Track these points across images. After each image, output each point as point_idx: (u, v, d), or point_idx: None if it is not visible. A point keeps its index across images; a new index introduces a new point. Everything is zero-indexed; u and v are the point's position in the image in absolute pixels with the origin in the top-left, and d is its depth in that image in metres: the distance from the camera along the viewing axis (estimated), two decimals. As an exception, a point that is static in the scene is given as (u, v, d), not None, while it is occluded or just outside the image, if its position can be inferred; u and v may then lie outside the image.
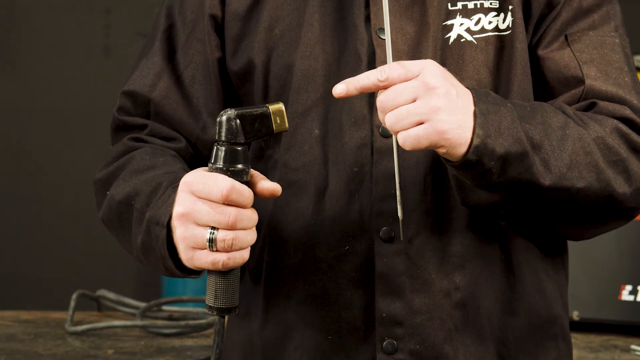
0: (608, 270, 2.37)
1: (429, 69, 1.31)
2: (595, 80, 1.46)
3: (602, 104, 1.45)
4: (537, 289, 1.50)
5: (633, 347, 2.19)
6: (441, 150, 1.32)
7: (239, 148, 1.30)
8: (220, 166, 1.29)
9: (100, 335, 2.20)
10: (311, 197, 1.48)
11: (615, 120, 1.43)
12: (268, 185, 1.32)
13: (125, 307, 2.39)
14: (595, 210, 1.42)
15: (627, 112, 1.44)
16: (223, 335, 1.33)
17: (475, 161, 1.33)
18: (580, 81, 1.47)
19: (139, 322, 2.25)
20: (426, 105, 1.29)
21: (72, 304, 2.30)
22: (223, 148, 1.29)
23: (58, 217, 4.52)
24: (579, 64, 1.47)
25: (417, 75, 1.31)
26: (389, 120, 1.31)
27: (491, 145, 1.32)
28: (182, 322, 2.24)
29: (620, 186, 1.41)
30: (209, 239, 1.28)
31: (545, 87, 1.50)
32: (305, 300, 1.48)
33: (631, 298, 2.34)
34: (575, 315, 2.35)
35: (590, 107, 1.46)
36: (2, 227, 4.53)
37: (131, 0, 4.54)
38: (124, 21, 4.54)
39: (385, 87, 1.31)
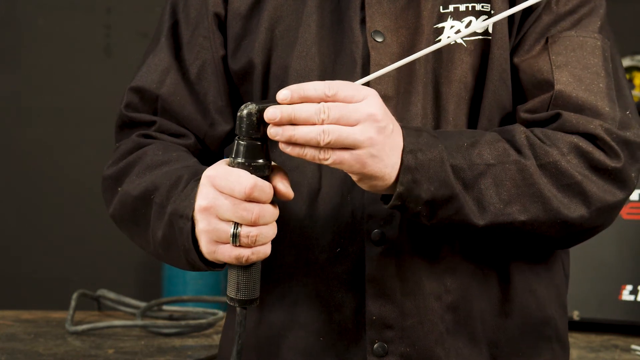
0: (608, 270, 2.37)
1: (376, 99, 1.29)
2: (566, 85, 1.43)
3: (566, 115, 1.41)
4: (528, 290, 1.49)
5: (633, 347, 2.19)
6: (355, 178, 1.32)
7: (260, 143, 1.28)
8: (242, 161, 1.28)
9: (101, 335, 2.20)
10: (304, 199, 1.47)
11: (575, 138, 1.40)
12: (282, 188, 1.30)
13: (125, 306, 2.39)
14: (553, 236, 1.41)
15: (591, 126, 1.40)
16: (245, 327, 1.32)
17: (400, 205, 1.33)
18: (550, 85, 1.43)
19: (139, 322, 2.25)
20: (365, 134, 1.27)
21: (73, 303, 2.30)
22: (244, 143, 1.28)
23: (58, 217, 4.52)
24: (552, 67, 1.44)
25: (362, 100, 1.28)
26: (332, 130, 1.25)
27: (416, 192, 1.33)
28: (183, 322, 2.24)
29: (575, 210, 1.39)
30: (233, 234, 1.27)
31: (522, 91, 1.47)
32: (298, 301, 1.48)
33: (632, 298, 2.34)
34: (576, 315, 2.35)
35: (554, 118, 1.42)
36: (2, 227, 4.53)
37: (132, 0, 4.54)
38: (124, 21, 4.54)
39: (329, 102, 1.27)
